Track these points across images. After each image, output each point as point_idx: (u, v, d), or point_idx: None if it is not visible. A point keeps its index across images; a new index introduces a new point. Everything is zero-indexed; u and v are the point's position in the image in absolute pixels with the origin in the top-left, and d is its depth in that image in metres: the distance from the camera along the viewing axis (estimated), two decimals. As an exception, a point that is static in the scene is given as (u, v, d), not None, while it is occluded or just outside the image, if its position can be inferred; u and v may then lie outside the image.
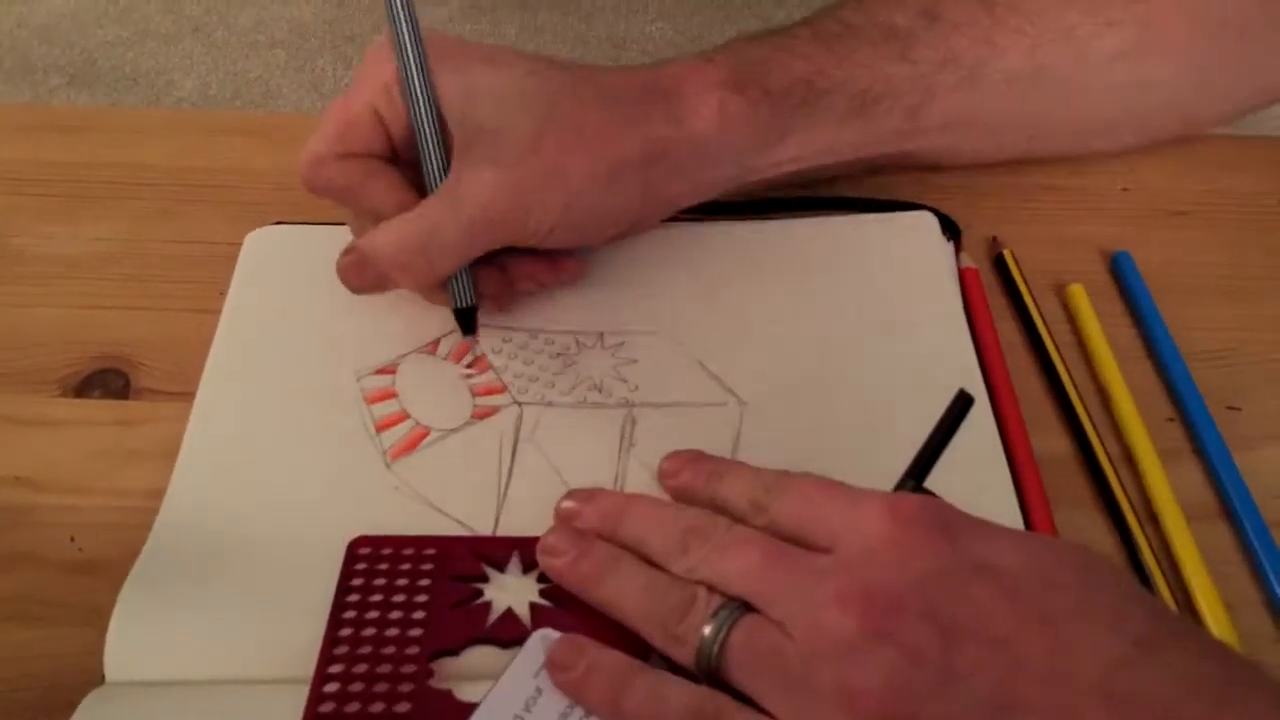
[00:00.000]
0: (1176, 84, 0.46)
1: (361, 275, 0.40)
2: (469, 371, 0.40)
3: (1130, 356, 0.41)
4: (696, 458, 0.36)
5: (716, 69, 0.40)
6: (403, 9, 0.36)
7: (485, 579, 0.33)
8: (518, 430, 0.38)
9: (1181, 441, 0.39)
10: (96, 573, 0.34)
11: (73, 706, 0.30)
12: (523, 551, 0.34)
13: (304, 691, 0.30)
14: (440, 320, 0.41)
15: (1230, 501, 0.36)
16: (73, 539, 0.36)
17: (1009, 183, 0.48)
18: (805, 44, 0.42)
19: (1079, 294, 0.43)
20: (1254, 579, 0.35)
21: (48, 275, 0.44)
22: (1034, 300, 0.42)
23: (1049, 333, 0.41)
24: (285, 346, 0.40)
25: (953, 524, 0.29)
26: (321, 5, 1.95)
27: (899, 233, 0.44)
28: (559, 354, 0.40)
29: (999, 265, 0.44)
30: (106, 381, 0.40)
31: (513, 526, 0.35)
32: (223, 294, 0.42)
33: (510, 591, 0.33)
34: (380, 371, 0.39)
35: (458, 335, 0.40)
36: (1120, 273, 0.44)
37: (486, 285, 0.40)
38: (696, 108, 0.39)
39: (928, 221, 0.44)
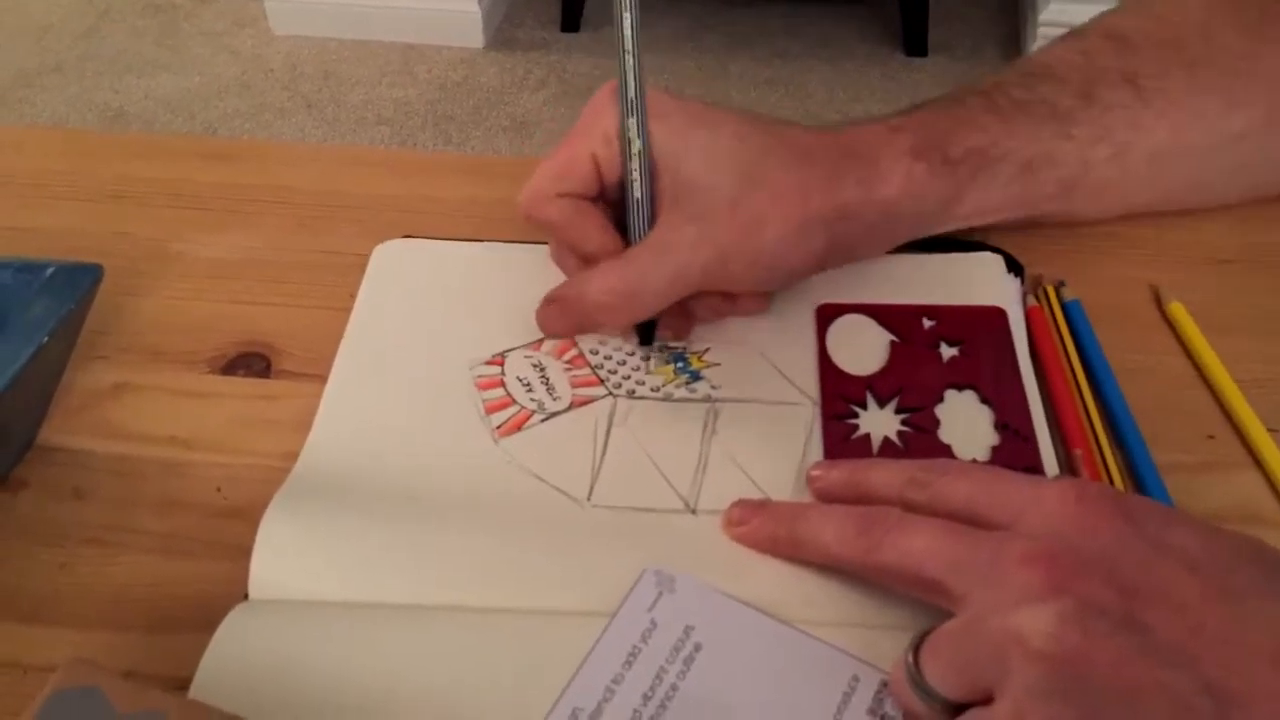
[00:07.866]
0: None
1: (564, 319, 0.43)
2: (568, 366, 0.44)
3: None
4: (839, 460, 0.39)
5: (904, 137, 0.44)
6: (632, 69, 0.40)
7: (855, 415, 0.41)
8: (611, 417, 0.42)
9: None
10: (239, 517, 0.39)
11: (218, 622, 0.35)
12: (874, 387, 0.42)
13: (419, 615, 0.34)
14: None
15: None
16: (219, 489, 0.41)
17: (1064, 231, 0.51)
18: (981, 115, 0.45)
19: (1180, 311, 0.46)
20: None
21: (201, 275, 0.50)
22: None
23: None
24: (407, 339, 0.45)
25: (1135, 509, 0.31)
26: (425, 87, 2.07)
27: (969, 270, 0.48)
28: (648, 356, 0.44)
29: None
30: (250, 363, 0.46)
31: (606, 496, 0.39)
32: (352, 296, 0.47)
33: (879, 424, 0.41)
34: (490, 363, 0.44)
35: (560, 335, 0.45)
36: (1070, 316, 0.47)
37: (667, 318, 0.44)
38: (885, 174, 0.43)
39: (994, 260, 0.48)
